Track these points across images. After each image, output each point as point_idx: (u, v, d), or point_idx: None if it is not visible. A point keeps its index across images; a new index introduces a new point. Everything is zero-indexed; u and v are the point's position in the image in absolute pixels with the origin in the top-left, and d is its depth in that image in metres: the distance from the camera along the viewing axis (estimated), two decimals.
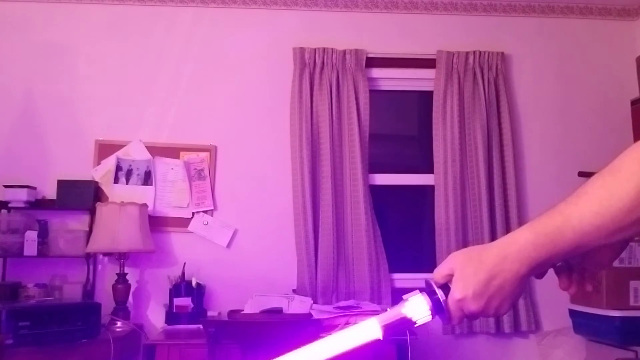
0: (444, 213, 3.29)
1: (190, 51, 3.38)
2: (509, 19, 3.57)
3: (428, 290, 0.80)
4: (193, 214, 3.26)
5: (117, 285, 2.97)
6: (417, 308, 0.79)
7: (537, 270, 0.77)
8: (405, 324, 0.79)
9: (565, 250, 0.74)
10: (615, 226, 0.70)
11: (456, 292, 0.77)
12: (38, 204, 3.12)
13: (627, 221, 0.70)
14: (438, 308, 0.78)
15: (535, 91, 3.54)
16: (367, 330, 0.78)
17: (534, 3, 3.55)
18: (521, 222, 3.29)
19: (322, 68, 3.32)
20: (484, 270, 0.76)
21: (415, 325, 0.79)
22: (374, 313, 2.76)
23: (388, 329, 0.78)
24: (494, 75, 3.42)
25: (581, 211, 0.72)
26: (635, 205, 0.69)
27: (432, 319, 0.79)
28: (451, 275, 0.79)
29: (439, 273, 0.80)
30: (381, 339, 0.78)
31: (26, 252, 2.98)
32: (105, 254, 3.13)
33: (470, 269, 0.77)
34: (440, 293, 0.79)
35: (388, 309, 0.81)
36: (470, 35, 3.51)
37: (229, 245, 3.26)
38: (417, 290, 0.80)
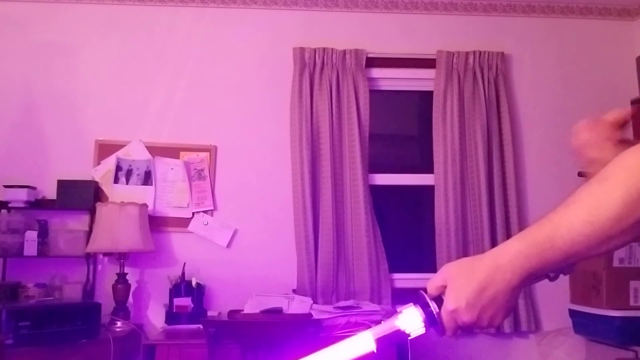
0: (444, 213, 3.29)
1: (190, 51, 3.39)
2: (509, 19, 3.57)
3: (421, 303, 0.80)
4: (193, 214, 3.26)
5: (117, 285, 2.97)
6: (410, 320, 0.79)
7: (530, 280, 0.77)
8: (399, 336, 0.80)
9: (556, 260, 0.74)
10: (604, 235, 0.70)
11: (449, 303, 0.77)
12: (38, 204, 3.12)
13: (615, 230, 0.70)
14: (431, 320, 0.79)
15: (535, 91, 3.54)
16: (361, 342, 0.79)
17: (534, 3, 3.55)
18: (521, 222, 3.30)
19: (322, 68, 3.32)
20: (476, 280, 0.76)
21: (409, 338, 0.80)
22: (374, 313, 2.78)
23: (382, 341, 0.79)
24: (494, 75, 3.42)
25: (570, 220, 0.72)
26: (623, 213, 0.69)
27: (426, 331, 0.80)
28: (444, 287, 0.79)
29: (433, 285, 0.81)
30: (375, 351, 0.79)
31: (26, 252, 2.98)
32: (105, 254, 3.13)
33: (463, 280, 0.77)
34: (433, 305, 0.79)
35: (382, 322, 0.82)
36: (470, 35, 3.51)
37: (229, 245, 3.26)
38: (411, 303, 0.81)
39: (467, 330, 0.80)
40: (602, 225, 0.69)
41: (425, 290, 0.82)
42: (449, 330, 0.79)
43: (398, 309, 0.81)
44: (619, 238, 0.71)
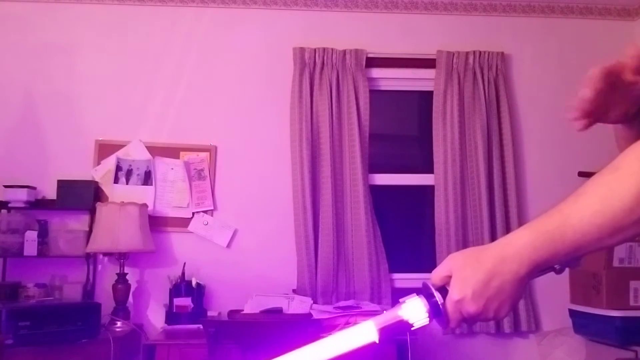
0: (444, 213, 3.29)
1: (190, 51, 3.38)
2: (509, 19, 3.57)
3: (425, 293, 0.78)
4: (193, 214, 3.26)
5: (117, 285, 2.97)
6: (414, 311, 0.77)
7: (537, 271, 0.75)
8: (402, 327, 0.77)
9: (565, 251, 0.72)
10: (616, 225, 0.69)
11: (454, 293, 0.75)
12: (38, 204, 3.12)
13: (628, 220, 0.68)
14: (436, 311, 0.77)
15: (535, 91, 3.54)
16: (363, 332, 0.77)
17: (534, 3, 3.55)
18: (521, 222, 3.29)
19: (322, 68, 3.32)
20: (482, 270, 0.74)
21: (412, 329, 0.78)
22: (374, 313, 2.77)
23: (384, 332, 0.77)
24: (494, 75, 3.42)
25: (581, 210, 0.70)
26: (636, 204, 0.67)
27: (430, 322, 0.77)
28: (449, 277, 0.77)
29: (437, 275, 0.79)
30: (377, 342, 0.76)
31: (26, 252, 2.98)
32: (105, 254, 3.13)
33: (469, 270, 0.75)
34: (438, 295, 0.77)
35: (384, 312, 0.79)
36: (470, 35, 3.51)
37: (229, 245, 3.26)
38: (414, 293, 0.78)
39: (471, 322, 0.78)
40: (614, 216, 0.68)
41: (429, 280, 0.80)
42: (453, 322, 0.77)
43: (401, 300, 0.79)
44: (630, 229, 0.69)
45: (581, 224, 0.70)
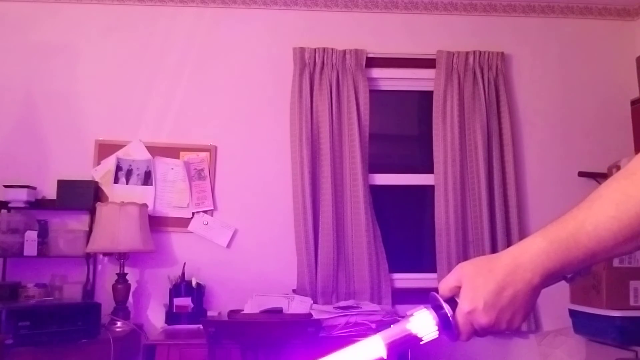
0: (444, 213, 3.29)
1: (190, 51, 3.38)
2: (509, 19, 3.57)
3: (434, 305, 0.75)
4: (193, 214, 3.26)
5: (117, 285, 2.97)
6: (423, 324, 0.75)
7: (551, 279, 0.73)
8: (410, 341, 0.75)
9: (580, 258, 0.70)
10: (632, 231, 0.66)
11: (465, 304, 0.73)
12: (38, 204, 3.12)
13: None
14: (445, 324, 0.74)
15: (535, 91, 3.54)
16: (371, 348, 0.74)
17: (534, 3, 3.55)
18: (521, 222, 3.29)
19: (322, 68, 3.32)
20: (494, 280, 0.72)
21: (422, 343, 0.75)
22: (374, 313, 2.77)
23: (393, 346, 0.74)
24: (494, 75, 3.42)
25: (596, 216, 0.68)
26: None
27: (439, 335, 0.75)
28: (458, 288, 0.74)
29: (446, 285, 0.76)
30: (385, 357, 0.74)
31: (26, 252, 2.98)
32: (105, 254, 3.13)
33: (480, 279, 0.72)
34: (447, 307, 0.74)
35: (392, 326, 0.77)
36: (470, 35, 3.51)
37: (229, 245, 3.26)
38: (422, 306, 0.76)
39: (483, 334, 0.75)
40: (630, 222, 0.66)
41: (437, 291, 0.77)
42: (464, 335, 0.75)
43: (408, 312, 0.76)
44: None
45: (596, 230, 0.68)
